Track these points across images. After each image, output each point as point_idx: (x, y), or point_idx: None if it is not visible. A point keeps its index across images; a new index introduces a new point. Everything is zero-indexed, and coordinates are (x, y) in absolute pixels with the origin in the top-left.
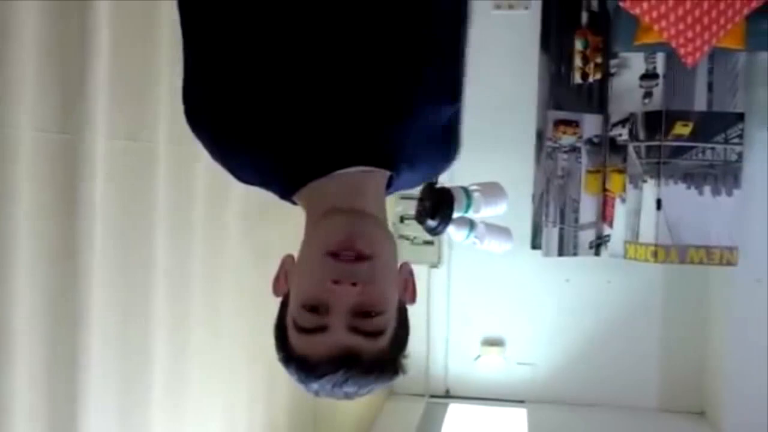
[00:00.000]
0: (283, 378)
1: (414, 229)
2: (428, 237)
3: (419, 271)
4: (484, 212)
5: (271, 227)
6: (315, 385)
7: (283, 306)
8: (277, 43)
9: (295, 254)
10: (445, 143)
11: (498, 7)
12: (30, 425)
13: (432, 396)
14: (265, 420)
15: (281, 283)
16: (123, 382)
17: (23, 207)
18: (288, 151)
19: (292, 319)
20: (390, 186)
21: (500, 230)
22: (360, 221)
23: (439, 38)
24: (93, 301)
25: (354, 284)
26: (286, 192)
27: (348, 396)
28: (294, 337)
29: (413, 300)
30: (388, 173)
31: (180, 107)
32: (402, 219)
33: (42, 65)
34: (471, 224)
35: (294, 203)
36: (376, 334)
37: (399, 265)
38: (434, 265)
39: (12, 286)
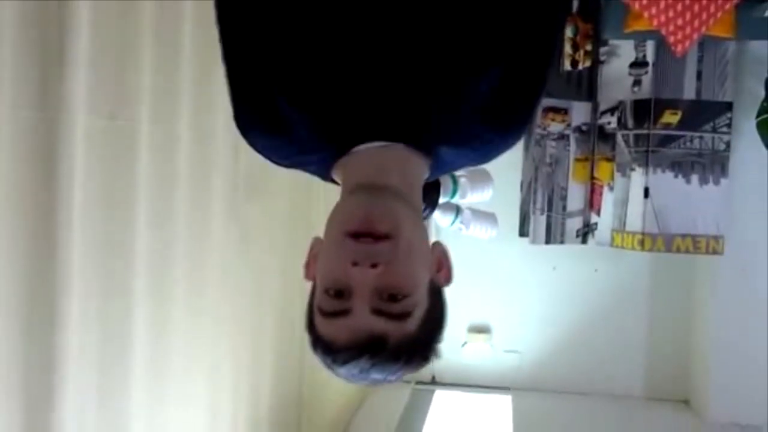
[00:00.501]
0: (268, 361)
1: None
2: None
3: None
4: (471, 198)
5: (256, 208)
6: (342, 371)
7: (313, 289)
8: (313, 16)
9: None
10: (501, 115)
11: None
12: (5, 404)
13: (418, 382)
14: (249, 402)
15: (311, 267)
16: (102, 364)
17: (0, 185)
18: (318, 128)
19: (317, 303)
20: (436, 165)
21: (486, 216)
22: (380, 199)
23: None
24: (72, 282)
25: (374, 265)
26: (321, 172)
27: (375, 382)
28: (319, 322)
29: (449, 281)
30: (415, 150)
31: (161, 85)
32: None
33: (20, 40)
34: (457, 210)
35: (336, 183)
36: (402, 316)
37: (431, 244)
38: None
39: None
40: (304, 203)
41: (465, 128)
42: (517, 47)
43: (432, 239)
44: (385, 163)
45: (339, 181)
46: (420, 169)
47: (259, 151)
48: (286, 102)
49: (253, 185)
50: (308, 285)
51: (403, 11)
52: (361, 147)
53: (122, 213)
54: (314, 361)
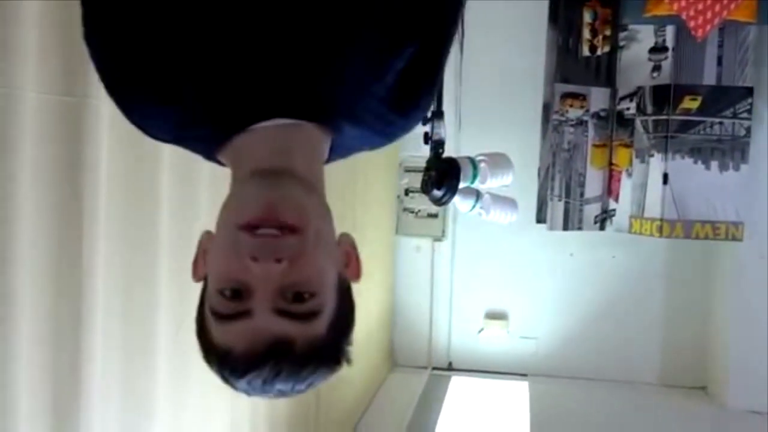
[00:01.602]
0: None
1: (418, 202)
2: (432, 210)
3: (424, 244)
4: (491, 183)
5: None
6: (243, 383)
7: (204, 291)
8: None
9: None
10: (406, 96)
11: None
12: (33, 401)
13: (435, 368)
14: None
15: (200, 266)
16: (126, 365)
17: (27, 169)
18: (203, 102)
19: (210, 305)
20: (333, 147)
21: (506, 201)
22: (283, 185)
23: None
24: (97, 273)
25: (278, 260)
26: (206, 151)
27: (282, 393)
28: (213, 328)
29: (357, 276)
30: (321, 130)
31: None
32: (407, 192)
33: (45, 26)
34: (477, 195)
35: (222, 164)
36: (308, 316)
37: (338, 236)
38: (438, 239)
39: (15, 250)
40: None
41: (370, 107)
42: (425, 26)
43: (449, 227)
44: (285, 144)
45: (227, 163)
46: (323, 149)
47: (136, 123)
48: (171, 64)
49: None
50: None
51: None
52: (258, 125)
53: (147, 199)
54: None
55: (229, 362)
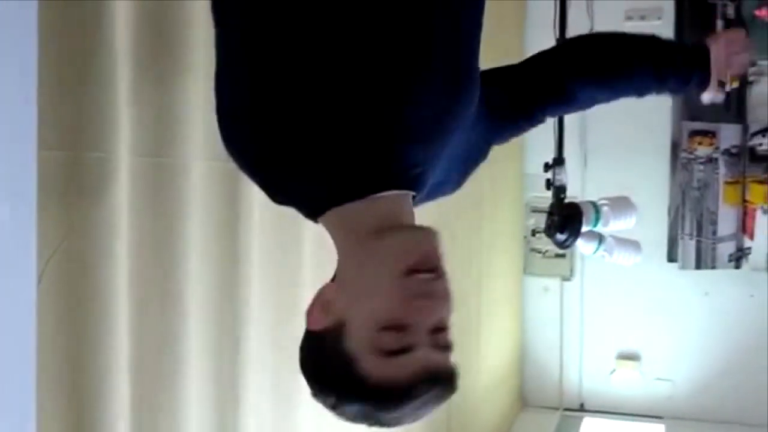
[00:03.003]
0: None
1: (546, 243)
2: (560, 250)
3: (552, 284)
4: (613, 226)
5: None
6: (396, 413)
7: (334, 337)
8: (337, 62)
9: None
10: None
11: (630, 18)
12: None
13: (566, 409)
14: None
15: (318, 315)
16: (275, 383)
17: (195, 228)
18: (330, 171)
19: (368, 345)
20: None
21: (629, 243)
22: (434, 235)
23: (474, 71)
24: (251, 312)
25: (442, 300)
26: (314, 212)
27: (418, 418)
28: (374, 365)
29: None
30: (412, 194)
31: None
32: (534, 232)
33: (138, 89)
34: (600, 238)
35: (316, 222)
36: (450, 347)
37: None
38: (566, 278)
39: (186, 295)
40: (447, 234)
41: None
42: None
43: (578, 267)
44: (401, 208)
45: (332, 223)
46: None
47: (260, 183)
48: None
49: None
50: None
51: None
52: (383, 194)
53: (291, 253)
54: (462, 383)
55: (393, 394)
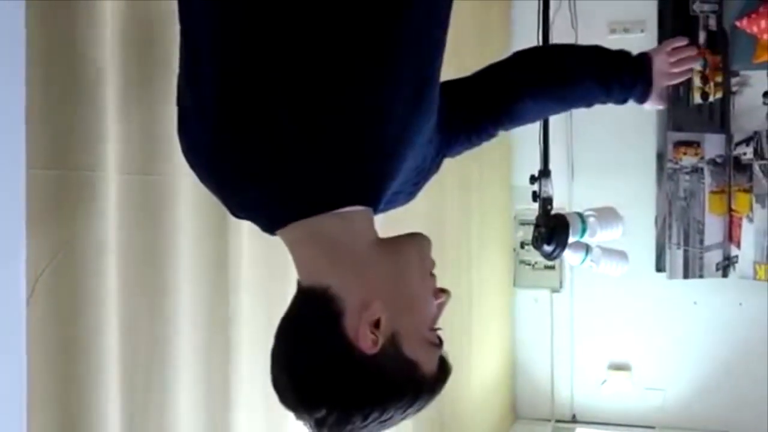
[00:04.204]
0: None
1: (534, 255)
2: (549, 262)
3: (541, 296)
4: (600, 236)
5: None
6: (427, 401)
7: (394, 350)
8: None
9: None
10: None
11: (613, 31)
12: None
13: (558, 421)
14: None
15: (370, 335)
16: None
17: (185, 238)
18: (287, 186)
19: (425, 342)
20: None
21: (616, 253)
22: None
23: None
24: (241, 319)
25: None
26: (274, 225)
27: None
28: (428, 361)
29: None
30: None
31: None
32: (522, 245)
33: (125, 107)
34: (587, 248)
35: (273, 234)
36: None
37: None
38: (556, 290)
39: (176, 306)
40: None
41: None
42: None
43: (567, 278)
44: (371, 221)
45: (304, 237)
46: None
47: (216, 192)
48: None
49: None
50: None
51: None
52: (350, 208)
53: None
54: (453, 396)
55: (440, 381)
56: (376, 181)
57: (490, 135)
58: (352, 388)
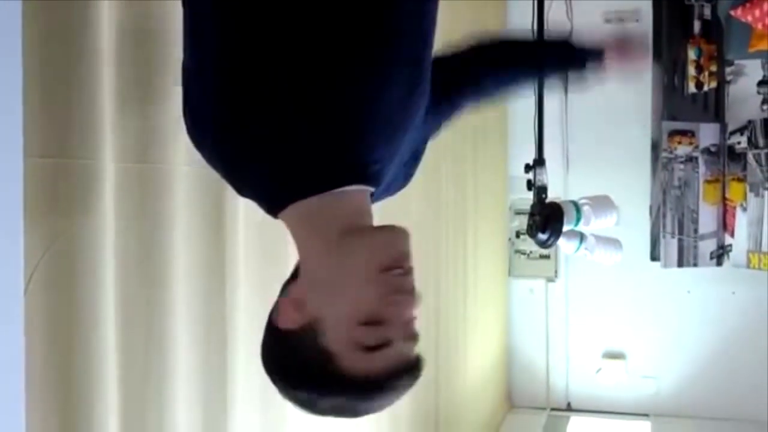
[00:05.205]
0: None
1: (530, 244)
2: (544, 251)
3: (537, 286)
4: (594, 225)
5: None
6: (374, 403)
7: (311, 335)
8: (308, 59)
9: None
10: (408, 170)
11: (608, 21)
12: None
13: (553, 409)
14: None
15: (292, 313)
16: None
17: (180, 232)
18: (287, 164)
19: (348, 341)
20: None
21: (610, 242)
22: (405, 235)
23: (428, 73)
24: (239, 315)
25: (413, 295)
26: (275, 206)
27: (390, 405)
28: (356, 359)
29: None
30: (371, 191)
31: None
32: (518, 234)
33: (122, 95)
34: (581, 237)
35: (276, 217)
36: (417, 338)
37: None
38: (551, 279)
39: (173, 297)
40: (432, 236)
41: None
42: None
43: (562, 268)
44: (366, 205)
45: (296, 219)
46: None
47: (221, 172)
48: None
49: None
50: None
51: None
52: (348, 188)
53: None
54: (449, 385)
55: (370, 387)
56: (370, 161)
57: (457, 107)
58: (271, 359)
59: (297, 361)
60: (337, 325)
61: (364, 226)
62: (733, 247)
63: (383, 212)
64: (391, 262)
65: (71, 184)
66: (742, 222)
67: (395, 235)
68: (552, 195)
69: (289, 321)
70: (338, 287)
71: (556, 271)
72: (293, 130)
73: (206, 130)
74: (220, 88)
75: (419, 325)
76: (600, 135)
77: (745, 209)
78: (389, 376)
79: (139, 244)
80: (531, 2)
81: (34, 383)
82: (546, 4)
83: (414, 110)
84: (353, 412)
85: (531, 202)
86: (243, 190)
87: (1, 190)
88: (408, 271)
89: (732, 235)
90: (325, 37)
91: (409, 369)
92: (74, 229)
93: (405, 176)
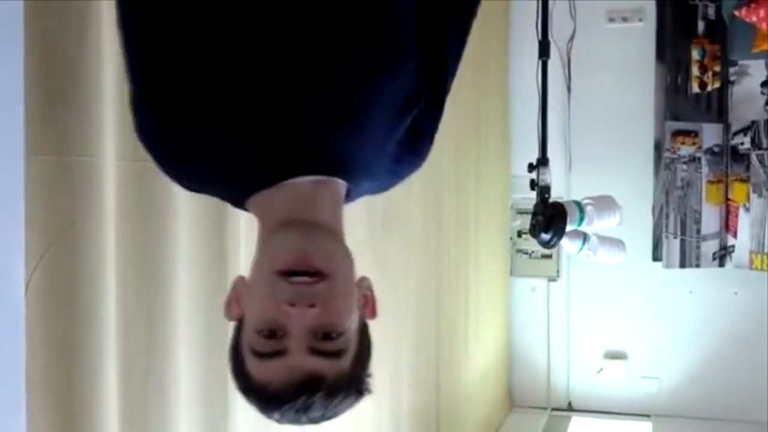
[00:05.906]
0: (406, 390)
1: (532, 244)
2: (546, 251)
3: (539, 285)
4: (597, 225)
5: (393, 238)
6: (276, 414)
7: (238, 330)
8: (228, 46)
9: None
10: (410, 151)
11: (612, 20)
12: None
13: (554, 409)
14: (391, 412)
15: (234, 307)
16: None
17: (183, 224)
18: (237, 157)
19: (248, 344)
20: (348, 196)
21: (613, 242)
22: (314, 235)
23: (399, 42)
24: None
25: (312, 306)
26: (236, 200)
27: (313, 421)
28: (251, 364)
29: (374, 315)
30: (344, 183)
31: None
32: (519, 233)
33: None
34: (584, 237)
35: (247, 211)
36: (337, 354)
37: (358, 278)
38: (553, 279)
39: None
40: (435, 234)
41: (383, 163)
42: (432, 88)
43: (564, 267)
44: (313, 196)
45: (255, 212)
46: (342, 200)
47: (166, 172)
48: (207, 124)
49: (390, 218)
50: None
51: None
52: (291, 180)
53: None
54: (450, 384)
55: (266, 396)
56: (325, 148)
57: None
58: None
59: (231, 353)
60: (247, 326)
61: (288, 223)
62: (736, 248)
63: (384, 212)
64: (285, 266)
65: (73, 180)
66: (744, 223)
67: (295, 235)
68: (554, 194)
69: (231, 313)
70: (253, 286)
71: (557, 271)
72: (220, 131)
73: (151, 126)
74: (145, 96)
75: (420, 325)
76: (603, 135)
77: (747, 210)
78: (281, 390)
79: (139, 243)
80: (534, 2)
81: (35, 383)
82: (550, 3)
83: (380, 91)
84: (269, 417)
85: (533, 202)
86: (193, 185)
87: (4, 187)
88: (318, 278)
89: (735, 235)
90: (233, 33)
91: (309, 386)
92: (76, 225)
93: (408, 160)
